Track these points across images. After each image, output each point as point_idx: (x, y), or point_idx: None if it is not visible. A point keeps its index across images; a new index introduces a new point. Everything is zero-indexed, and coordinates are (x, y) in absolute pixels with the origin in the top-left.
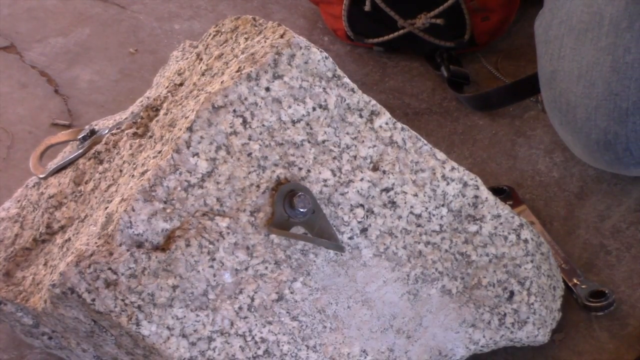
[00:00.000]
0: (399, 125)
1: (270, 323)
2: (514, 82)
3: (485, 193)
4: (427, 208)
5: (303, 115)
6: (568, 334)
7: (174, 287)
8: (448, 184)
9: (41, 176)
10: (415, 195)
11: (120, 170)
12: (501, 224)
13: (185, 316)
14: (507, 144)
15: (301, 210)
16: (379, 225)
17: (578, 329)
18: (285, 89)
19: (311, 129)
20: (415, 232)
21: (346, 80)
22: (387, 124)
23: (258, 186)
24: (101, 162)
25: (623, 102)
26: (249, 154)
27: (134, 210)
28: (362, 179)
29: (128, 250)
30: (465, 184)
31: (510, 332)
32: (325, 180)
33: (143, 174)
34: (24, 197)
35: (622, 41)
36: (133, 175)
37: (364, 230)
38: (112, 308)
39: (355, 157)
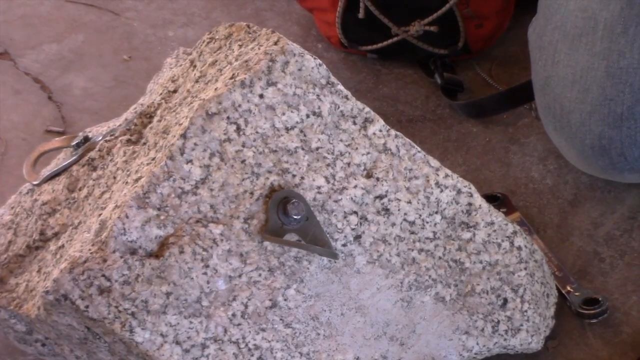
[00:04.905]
0: (393, 132)
1: (263, 330)
2: (507, 90)
3: (478, 200)
4: (420, 215)
5: (297, 122)
6: (561, 342)
7: (168, 294)
8: (442, 191)
9: (35, 183)
10: (409, 202)
11: (114, 177)
12: (495, 231)
13: (178, 323)
14: (500, 151)
15: (295, 217)
16: (373, 233)
17: (571, 337)
18: (279, 96)
19: (305, 136)
20: (409, 239)
21: (340, 87)
22: (380, 131)
23: (252, 193)
24: (95, 168)
25: (617, 107)
26: (243, 161)
27: (127, 217)
28: (355, 186)
29: (122, 257)
30: (458, 191)
31: (504, 339)
32: (319, 187)
33: (137, 180)
34: (17, 203)
35: (616, 46)
36: (127, 182)
37: (357, 238)
38: (106, 315)
39: (349, 164)
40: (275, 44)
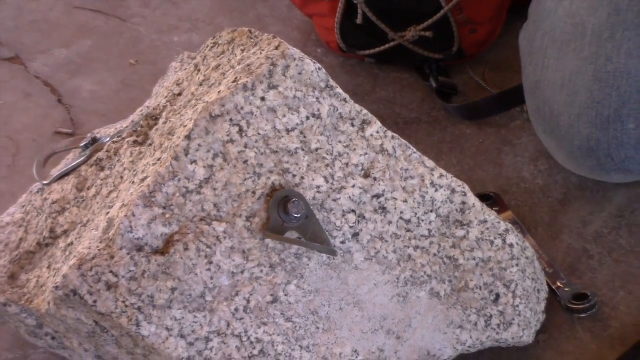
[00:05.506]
0: (390, 134)
1: (265, 324)
2: (500, 93)
3: (472, 199)
4: (416, 214)
5: (297, 124)
6: (552, 335)
7: (173, 290)
8: (437, 190)
9: (45, 183)
10: (405, 201)
11: (121, 177)
12: (487, 229)
13: (183, 317)
14: (493, 152)
15: (295, 215)
16: (370, 230)
17: (562, 330)
18: (280, 99)
19: (305, 137)
20: (405, 236)
21: (339, 90)
22: (378, 132)
23: (254, 192)
24: (103, 169)
25: (605, 109)
26: (245, 162)
27: (134, 215)
28: (354, 186)
29: (128, 254)
30: (453, 191)
31: (496, 333)
32: (318, 187)
33: (143, 180)
34: (28, 202)
35: (604, 51)
36: (133, 182)
37: (355, 235)
38: (113, 309)
39: (347, 164)
40: (277, 48)
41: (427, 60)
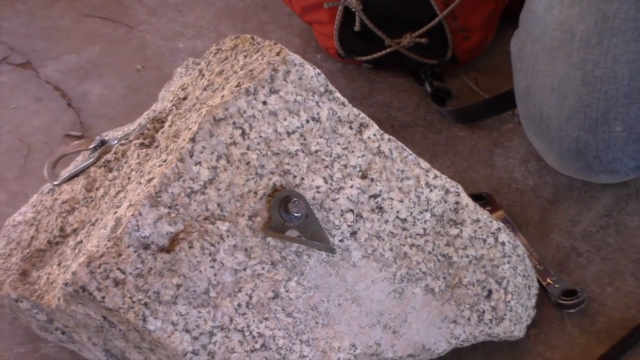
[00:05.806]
0: (386, 136)
1: (266, 319)
2: (492, 97)
3: (465, 199)
4: (412, 213)
5: (297, 127)
6: (542, 330)
7: (178, 286)
8: (431, 190)
9: (55, 183)
10: (401, 201)
11: (129, 178)
12: (480, 227)
13: (188, 312)
14: (485, 154)
15: (295, 215)
16: (368, 229)
17: (551, 325)
18: (281, 103)
19: (305, 139)
20: (401, 235)
21: (337, 94)
22: (375, 135)
23: (256, 192)
24: (111, 170)
25: (593, 113)
26: (248, 163)
27: (141, 214)
28: (352, 186)
29: (135, 252)
30: (447, 191)
31: (489, 327)
32: (317, 187)
33: (149, 181)
34: (39, 202)
35: (591, 57)
36: (140, 183)
37: (353, 234)
38: (121, 305)
39: (345, 165)
40: (278, 54)
41: (422, 66)
